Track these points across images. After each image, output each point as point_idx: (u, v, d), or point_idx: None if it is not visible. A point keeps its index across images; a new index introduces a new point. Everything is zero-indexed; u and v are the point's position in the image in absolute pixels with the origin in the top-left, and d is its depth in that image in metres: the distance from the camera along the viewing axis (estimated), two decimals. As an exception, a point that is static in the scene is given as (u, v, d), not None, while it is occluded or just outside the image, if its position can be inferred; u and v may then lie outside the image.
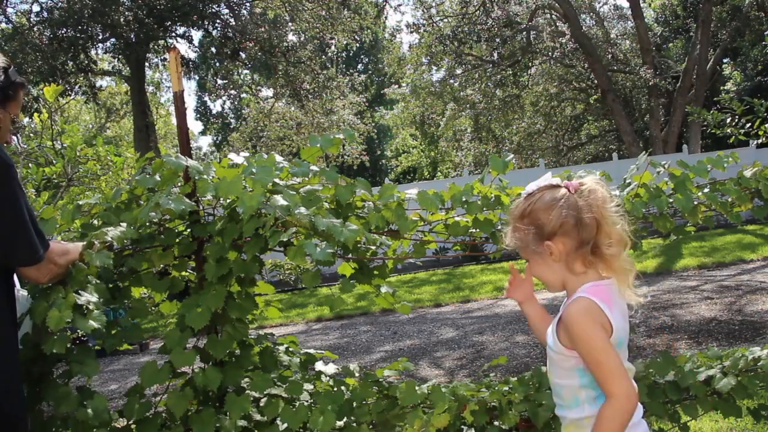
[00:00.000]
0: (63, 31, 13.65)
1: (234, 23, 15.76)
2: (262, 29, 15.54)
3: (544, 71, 20.45)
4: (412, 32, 19.20)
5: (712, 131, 6.46)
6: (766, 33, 14.40)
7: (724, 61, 21.95)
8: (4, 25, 14.50)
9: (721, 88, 21.30)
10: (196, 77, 28.12)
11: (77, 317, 1.68)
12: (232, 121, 35.24)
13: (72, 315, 1.66)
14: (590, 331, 1.36)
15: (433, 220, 2.10)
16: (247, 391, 1.99)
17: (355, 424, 1.99)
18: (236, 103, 32.71)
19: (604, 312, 1.39)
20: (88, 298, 1.74)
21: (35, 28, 14.10)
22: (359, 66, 37.60)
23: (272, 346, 2.20)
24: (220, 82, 20.94)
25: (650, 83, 16.76)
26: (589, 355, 1.36)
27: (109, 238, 1.82)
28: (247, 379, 2.04)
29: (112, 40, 14.46)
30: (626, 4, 19.92)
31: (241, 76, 21.36)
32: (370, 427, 2.00)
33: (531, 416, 1.94)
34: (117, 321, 2.03)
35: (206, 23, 15.39)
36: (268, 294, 2.41)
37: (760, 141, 6.04)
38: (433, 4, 19.15)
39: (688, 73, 17.45)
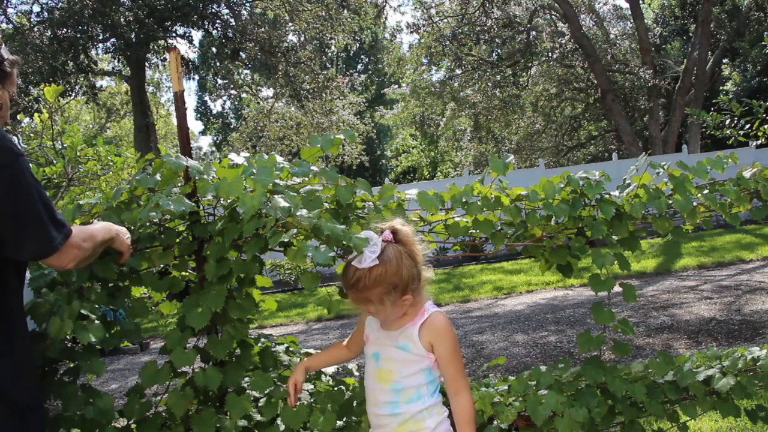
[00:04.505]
0: (63, 32, 13.64)
1: (234, 23, 15.76)
2: (262, 29, 15.54)
3: (543, 72, 20.45)
4: (412, 32, 19.21)
5: (712, 132, 6.46)
6: (765, 33, 14.41)
7: (724, 61, 21.96)
8: (4, 26, 14.50)
9: (721, 88, 21.30)
10: (197, 77, 28.15)
11: (78, 328, 1.72)
12: (232, 121, 35.24)
13: (73, 326, 1.69)
14: (455, 338, 1.71)
15: (433, 220, 2.11)
16: (247, 391, 1.99)
17: (355, 423, 2.00)
18: (236, 103, 32.73)
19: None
20: (89, 311, 1.77)
21: (36, 29, 14.09)
22: (359, 66, 37.60)
23: (272, 346, 2.21)
24: (220, 82, 20.95)
25: (650, 84, 16.77)
26: (452, 358, 1.68)
27: None
28: (247, 379, 2.04)
29: (113, 40, 14.44)
30: (626, 5, 19.94)
31: (241, 76, 21.36)
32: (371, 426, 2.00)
33: (531, 414, 1.94)
34: (117, 320, 2.03)
35: (206, 23, 15.39)
36: (267, 284, 2.40)
37: (759, 142, 6.04)
38: (433, 5, 19.15)
39: (688, 74, 17.45)
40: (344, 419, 2.01)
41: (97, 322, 1.78)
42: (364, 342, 1.82)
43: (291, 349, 2.31)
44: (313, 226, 1.69)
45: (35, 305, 1.75)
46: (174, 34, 15.47)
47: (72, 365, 1.86)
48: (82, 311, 1.76)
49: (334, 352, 1.94)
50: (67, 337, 1.95)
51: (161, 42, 15.37)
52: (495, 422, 2.02)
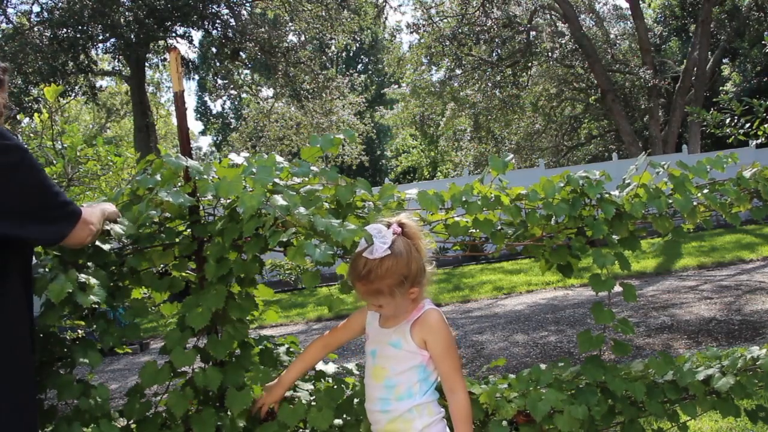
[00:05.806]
0: (63, 32, 13.64)
1: (234, 23, 15.76)
2: (262, 29, 15.54)
3: (543, 72, 20.44)
4: (412, 32, 19.21)
5: (712, 131, 6.45)
6: (765, 33, 14.40)
7: (724, 61, 21.95)
8: (4, 26, 14.51)
9: (721, 88, 21.30)
10: (197, 77, 28.14)
11: (77, 292, 1.71)
12: (232, 121, 35.25)
13: (73, 288, 1.68)
14: (450, 335, 1.71)
15: (433, 220, 2.11)
16: (246, 387, 1.99)
17: (355, 421, 2.00)
18: (236, 103, 32.73)
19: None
20: (89, 277, 1.77)
21: (35, 29, 14.09)
22: (359, 66, 37.59)
23: (272, 347, 2.21)
24: (220, 82, 20.94)
25: (650, 84, 16.77)
26: (446, 354, 1.69)
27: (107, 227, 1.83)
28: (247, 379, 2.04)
29: (112, 40, 14.44)
30: (626, 5, 19.94)
31: (241, 76, 21.35)
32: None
33: (530, 410, 1.94)
34: (116, 319, 2.03)
35: (206, 23, 15.38)
36: (268, 297, 2.41)
37: (759, 141, 6.03)
38: (433, 5, 19.14)
39: (688, 74, 17.45)
40: (343, 417, 2.01)
41: (97, 285, 1.75)
42: (349, 337, 1.89)
43: (291, 349, 2.31)
44: (308, 222, 1.69)
45: (35, 280, 1.75)
46: (174, 34, 15.47)
47: (69, 359, 1.85)
48: (80, 279, 1.75)
49: (308, 358, 1.94)
50: (67, 335, 1.95)
51: (161, 42, 15.37)
52: (495, 417, 2.02)
